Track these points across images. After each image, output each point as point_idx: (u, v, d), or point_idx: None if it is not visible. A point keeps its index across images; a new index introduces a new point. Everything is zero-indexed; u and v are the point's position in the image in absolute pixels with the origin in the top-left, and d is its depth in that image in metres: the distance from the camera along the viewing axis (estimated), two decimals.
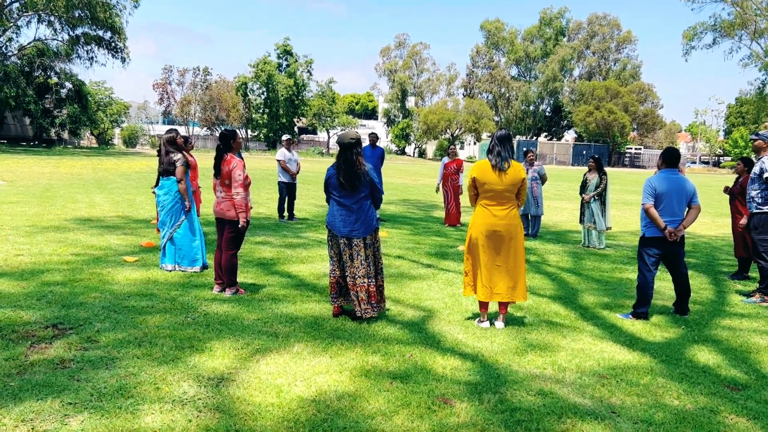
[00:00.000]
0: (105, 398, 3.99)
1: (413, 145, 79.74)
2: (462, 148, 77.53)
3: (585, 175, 11.96)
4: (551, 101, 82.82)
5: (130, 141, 64.35)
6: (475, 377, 4.66)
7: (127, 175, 25.23)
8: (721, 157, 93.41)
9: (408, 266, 8.99)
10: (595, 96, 75.04)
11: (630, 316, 6.62)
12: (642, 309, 6.58)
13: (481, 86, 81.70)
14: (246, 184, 6.91)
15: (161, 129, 74.53)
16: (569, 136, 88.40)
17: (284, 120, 65.22)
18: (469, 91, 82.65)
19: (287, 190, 13.55)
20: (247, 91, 66.95)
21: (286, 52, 66.99)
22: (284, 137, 13.82)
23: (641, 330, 6.17)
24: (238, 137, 7.10)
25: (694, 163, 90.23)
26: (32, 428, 3.56)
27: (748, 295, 7.87)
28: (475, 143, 77.88)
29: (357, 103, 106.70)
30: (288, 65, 66.48)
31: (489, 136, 74.99)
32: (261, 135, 67.33)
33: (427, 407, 4.06)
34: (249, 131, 68.79)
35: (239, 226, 6.85)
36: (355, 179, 5.98)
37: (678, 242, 6.59)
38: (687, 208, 6.62)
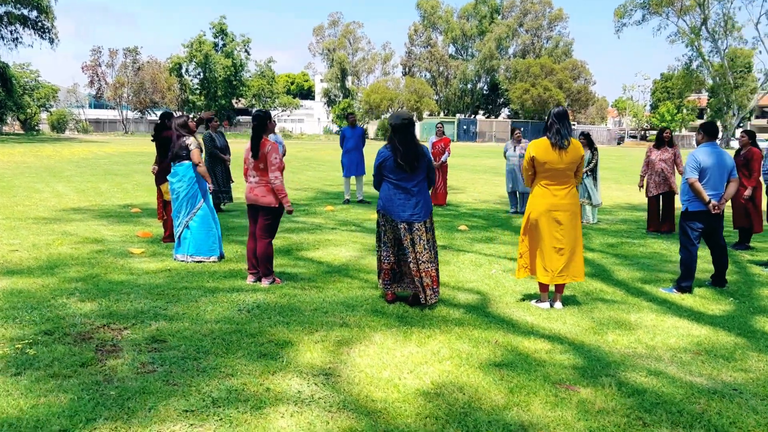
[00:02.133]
0: (221, 403, 3.69)
1: None
2: None
3: None
4: (488, 79, 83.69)
5: (59, 126, 61.39)
6: (576, 360, 4.57)
7: (75, 162, 24.04)
8: (647, 131, 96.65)
9: None
10: (531, 73, 76.21)
11: (674, 290, 6.67)
12: (686, 283, 6.64)
13: (420, 65, 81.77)
14: (282, 168, 6.59)
15: (92, 113, 71.43)
16: (504, 113, 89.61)
17: (223, 101, 63.61)
18: (408, 70, 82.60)
19: None
20: (182, 72, 64.86)
21: (222, 32, 65.16)
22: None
23: (694, 303, 6.22)
24: (273, 118, 6.75)
25: (623, 138, 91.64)
26: None
27: (766, 264, 8.08)
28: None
29: (292, 83, 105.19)
30: (224, 45, 64.71)
31: (429, 115, 75.43)
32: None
33: (554, 395, 3.94)
34: (185, 113, 66.78)
35: (287, 211, 6.55)
36: (414, 160, 5.75)
37: (719, 216, 6.66)
38: (726, 182, 6.69)
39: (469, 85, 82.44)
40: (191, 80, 65.13)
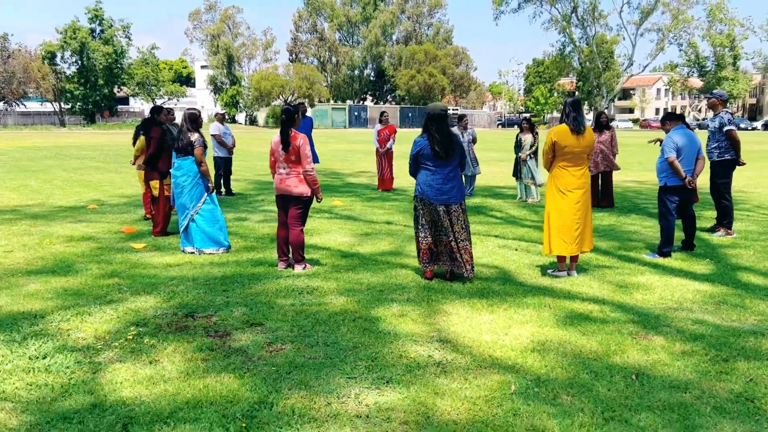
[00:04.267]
0: (375, 369, 4.11)
1: (244, 113, 77.82)
2: None
3: (518, 135, 12.98)
4: (374, 66, 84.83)
5: None
6: (629, 316, 5.32)
7: None
8: (521, 114, 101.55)
9: (410, 231, 9.37)
10: (416, 60, 78.15)
11: (657, 255, 7.64)
12: (667, 248, 7.63)
13: (308, 51, 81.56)
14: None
15: None
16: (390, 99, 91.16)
17: (106, 90, 60.56)
18: (295, 57, 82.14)
19: (224, 165, 13.21)
20: (57, 61, 61.12)
21: (98, 17, 61.93)
22: (217, 112, 13.48)
23: (681, 266, 7.20)
24: (299, 113, 7.06)
25: (502, 123, 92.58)
26: (359, 402, 3.66)
27: (712, 230, 9.27)
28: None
29: (170, 70, 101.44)
30: (102, 30, 61.54)
31: (320, 101, 75.48)
32: (77, 108, 61.82)
33: (637, 343, 4.66)
34: (63, 104, 62.90)
35: (317, 199, 6.90)
36: (450, 148, 6.30)
37: (691, 190, 7.70)
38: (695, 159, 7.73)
39: (356, 72, 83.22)
40: (67, 69, 61.56)
